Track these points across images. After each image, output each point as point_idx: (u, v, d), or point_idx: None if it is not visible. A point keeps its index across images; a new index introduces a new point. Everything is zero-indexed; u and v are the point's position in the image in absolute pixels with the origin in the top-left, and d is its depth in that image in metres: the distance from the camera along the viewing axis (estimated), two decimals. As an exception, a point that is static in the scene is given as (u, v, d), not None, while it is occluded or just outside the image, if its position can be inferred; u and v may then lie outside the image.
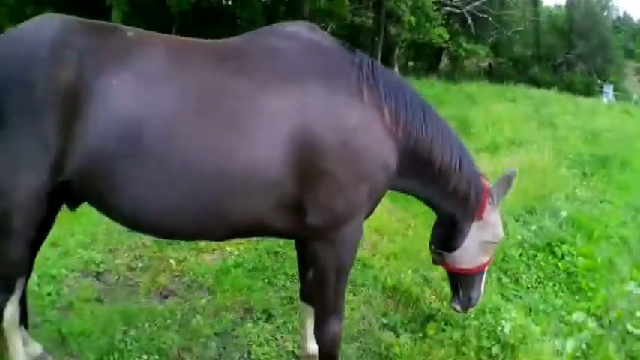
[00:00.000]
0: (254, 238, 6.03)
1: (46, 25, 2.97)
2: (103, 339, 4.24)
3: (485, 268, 4.13)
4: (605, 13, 61.38)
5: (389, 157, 3.23)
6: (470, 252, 3.90)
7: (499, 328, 4.51)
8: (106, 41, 2.93)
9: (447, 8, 38.34)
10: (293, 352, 4.33)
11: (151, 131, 2.78)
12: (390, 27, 35.04)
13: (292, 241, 5.63)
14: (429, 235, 4.15)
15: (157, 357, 4.08)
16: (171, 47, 3.03)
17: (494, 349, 4.32)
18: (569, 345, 4.46)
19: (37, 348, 3.85)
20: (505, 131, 13.60)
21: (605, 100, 37.89)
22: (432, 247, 4.10)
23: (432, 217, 4.13)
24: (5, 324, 3.29)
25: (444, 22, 36.97)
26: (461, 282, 4.11)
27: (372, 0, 32.62)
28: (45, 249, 4.41)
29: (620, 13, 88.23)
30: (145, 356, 4.08)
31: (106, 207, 3.09)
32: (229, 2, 27.84)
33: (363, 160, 3.11)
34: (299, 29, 3.36)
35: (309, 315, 3.87)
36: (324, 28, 28.55)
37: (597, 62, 53.52)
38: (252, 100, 2.94)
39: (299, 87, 3.03)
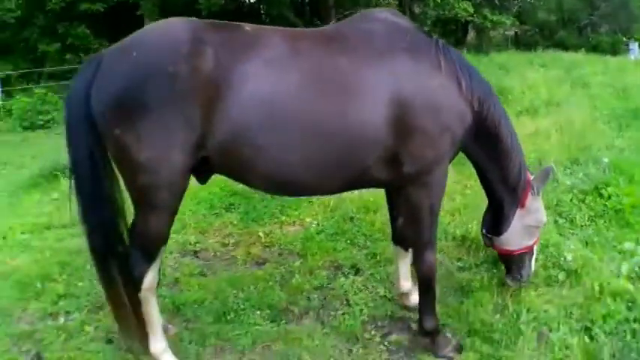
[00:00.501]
0: (329, 208, 6.82)
1: (179, 25, 3.61)
2: (216, 304, 4.90)
3: (535, 248, 4.68)
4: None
5: (465, 114, 3.89)
6: (515, 236, 4.49)
7: (562, 258, 5.16)
8: (232, 35, 3.59)
9: (470, -19, 38.55)
10: (385, 296, 5.01)
11: (282, 104, 3.45)
12: (413, 6, 35.48)
13: (364, 207, 6.39)
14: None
15: (268, 311, 4.75)
16: (284, 36, 3.70)
17: (561, 276, 4.97)
18: (625, 268, 5.05)
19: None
20: (541, 94, 13.88)
21: (632, 57, 37.75)
22: (483, 231, 4.75)
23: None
24: (144, 291, 3.78)
25: (467, -6, 37.30)
26: (511, 262, 4.68)
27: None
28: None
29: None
30: (259, 312, 4.74)
31: (243, 175, 3.78)
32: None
33: (444, 114, 3.76)
34: (386, 14, 4.07)
35: (402, 257, 4.62)
36: (351, 14, 29.07)
37: (621, 21, 52.94)
38: (357, 73, 3.61)
39: (391, 60, 3.69)
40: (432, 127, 3.73)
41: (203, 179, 3.96)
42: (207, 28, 3.57)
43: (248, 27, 3.71)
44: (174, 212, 3.74)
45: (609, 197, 6.63)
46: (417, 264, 4.19)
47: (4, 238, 6.70)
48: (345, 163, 3.69)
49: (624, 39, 48.69)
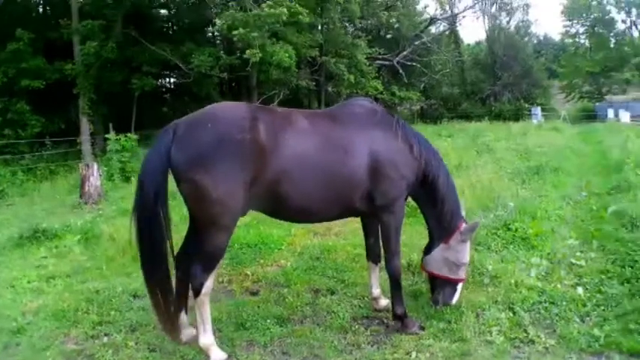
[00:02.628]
0: (297, 252, 8.54)
1: (239, 106, 5.38)
2: (232, 319, 6.25)
3: (457, 287, 6.14)
4: (526, 39, 64.71)
5: (413, 169, 5.81)
6: (434, 261, 6.15)
7: (484, 269, 7.10)
8: (271, 114, 5.37)
9: (379, 62, 41.55)
10: (359, 305, 6.64)
11: (306, 158, 5.22)
12: (328, 86, 38.07)
13: (327, 250, 8.07)
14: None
15: (275, 320, 6.21)
16: (303, 115, 5.58)
17: (485, 280, 6.91)
18: (534, 272, 7.01)
19: (192, 330, 5.78)
20: (452, 159, 15.64)
21: (535, 121, 40.73)
22: (422, 254, 6.48)
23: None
24: (202, 295, 5.13)
25: (377, 75, 40.23)
26: (433, 284, 6.30)
27: (316, 66, 35.64)
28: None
29: (542, 37, 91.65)
30: (268, 321, 6.18)
31: (277, 206, 5.41)
32: (188, 81, 29.81)
33: (401, 167, 5.68)
34: (363, 102, 6.08)
35: (372, 269, 6.41)
36: (274, 95, 31.11)
37: (523, 88, 55.97)
38: (348, 138, 5.48)
39: (368, 131, 5.63)
40: (394, 175, 5.62)
41: (244, 213, 5.43)
42: (258, 109, 5.37)
43: (279, 109, 5.63)
44: (231, 234, 5.31)
45: (516, 230, 8.63)
46: (387, 267, 5.94)
47: (12, 286, 7.62)
48: (343, 197, 5.51)
49: (526, 105, 51.66)
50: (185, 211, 10.67)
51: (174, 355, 5.51)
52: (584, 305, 6.23)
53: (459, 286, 6.16)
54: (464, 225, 6.11)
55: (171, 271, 5.42)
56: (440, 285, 6.20)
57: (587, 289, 6.67)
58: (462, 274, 6.17)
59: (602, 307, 6.17)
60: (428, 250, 6.27)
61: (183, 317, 5.78)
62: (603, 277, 7.01)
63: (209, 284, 5.22)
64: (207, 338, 5.30)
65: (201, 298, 5.20)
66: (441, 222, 6.13)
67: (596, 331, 5.58)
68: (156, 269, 5.20)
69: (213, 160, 4.87)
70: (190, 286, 5.32)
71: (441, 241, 6.14)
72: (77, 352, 5.64)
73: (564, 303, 6.26)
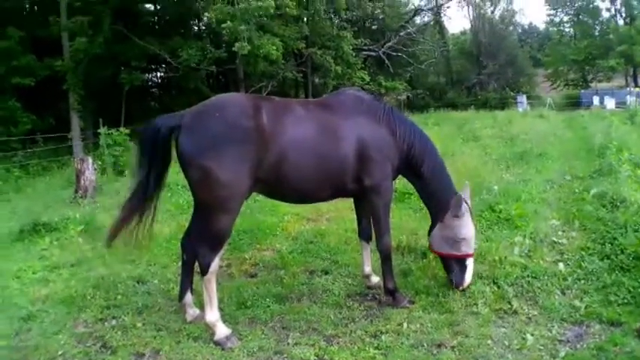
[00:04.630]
0: (291, 237, 8.96)
1: (243, 97, 5.89)
2: (233, 299, 6.63)
3: (467, 262, 6.31)
4: (511, 28, 65.00)
5: (397, 152, 6.19)
6: (435, 239, 6.49)
7: None
8: (272, 103, 5.77)
9: (364, 53, 41.80)
10: (352, 284, 7.06)
11: (304, 143, 5.62)
12: (315, 77, 38.37)
13: (320, 234, 8.44)
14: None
15: (274, 299, 6.58)
16: (299, 103, 6.02)
17: None
18: (517, 250, 7.36)
19: (196, 310, 6.18)
20: (438, 146, 15.48)
21: (520, 109, 41.06)
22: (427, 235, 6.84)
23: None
24: (210, 274, 5.47)
25: (363, 65, 40.53)
26: (443, 264, 6.56)
27: (303, 58, 36.02)
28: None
29: (526, 26, 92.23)
30: (267, 299, 6.56)
31: (278, 188, 5.81)
32: (176, 75, 30.03)
33: (385, 150, 6.06)
34: (352, 91, 6.48)
35: (364, 248, 6.82)
36: (262, 87, 31.39)
37: (508, 76, 56.40)
38: (339, 125, 5.87)
39: (356, 118, 6.01)
40: (379, 158, 6.01)
41: (247, 196, 5.80)
42: (259, 99, 5.83)
43: (277, 99, 6.02)
44: (237, 216, 5.66)
45: (500, 211, 9.02)
46: (378, 245, 6.33)
47: (18, 277, 7.81)
48: (335, 178, 5.91)
49: (512, 93, 51.88)
50: (181, 201, 11.17)
51: (181, 333, 5.84)
52: (565, 279, 6.63)
53: (469, 262, 6.33)
54: (454, 201, 6.31)
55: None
56: (449, 264, 6.44)
57: (568, 264, 7.08)
58: (466, 249, 6.31)
59: (583, 281, 6.58)
60: (430, 230, 6.62)
61: (189, 297, 6.15)
62: (584, 253, 7.39)
63: (215, 264, 5.58)
64: (213, 315, 5.63)
65: (208, 277, 5.55)
66: (434, 201, 6.50)
67: (576, 303, 5.99)
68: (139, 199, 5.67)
69: (221, 146, 5.25)
70: (198, 266, 5.69)
71: (437, 220, 6.47)
72: (88, 334, 5.92)
73: (546, 277, 6.67)
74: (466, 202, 6.35)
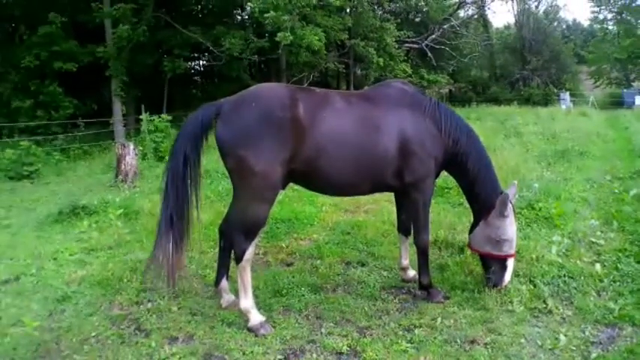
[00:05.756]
0: (328, 228, 8.95)
1: (281, 87, 5.75)
2: (269, 286, 6.70)
3: (507, 263, 6.15)
4: (555, 24, 64.15)
5: (442, 148, 6.06)
6: (476, 238, 6.34)
7: None
8: (310, 94, 5.73)
9: (407, 45, 41.56)
10: (388, 276, 7.07)
11: (342, 135, 5.57)
12: (357, 69, 38.32)
13: (356, 225, 8.45)
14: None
15: (309, 288, 6.62)
16: (340, 95, 5.93)
17: None
18: (554, 249, 7.28)
19: (231, 296, 6.24)
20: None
21: (564, 107, 40.35)
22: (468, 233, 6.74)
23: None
24: (245, 261, 5.54)
25: (405, 58, 40.31)
26: (483, 262, 6.43)
27: (345, 49, 35.90)
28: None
29: (570, 22, 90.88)
30: (303, 289, 6.61)
31: (314, 180, 5.80)
32: (219, 63, 30.23)
33: (428, 146, 5.94)
34: (397, 83, 6.35)
35: (403, 242, 6.77)
36: (303, 77, 31.46)
37: (552, 73, 55.53)
38: (381, 118, 5.80)
39: (400, 111, 5.92)
40: (422, 154, 5.90)
41: (284, 186, 5.84)
42: (298, 90, 5.73)
43: (318, 90, 5.94)
44: (272, 206, 5.67)
45: (540, 209, 8.95)
46: (415, 241, 6.27)
47: (55, 259, 7.95)
48: (374, 173, 5.84)
49: (555, 90, 51.16)
50: (220, 188, 11.30)
51: (215, 318, 5.91)
52: (601, 281, 6.55)
53: (510, 263, 6.18)
54: (499, 200, 6.13)
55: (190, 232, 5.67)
56: (489, 263, 6.32)
57: (604, 265, 6.98)
58: (508, 250, 6.15)
59: (618, 283, 6.50)
60: (471, 228, 6.50)
61: (224, 283, 6.22)
62: (621, 255, 7.30)
63: (250, 252, 5.62)
64: (247, 302, 5.68)
65: (243, 264, 5.61)
66: (479, 199, 6.33)
67: (611, 304, 5.91)
68: (174, 222, 5.46)
69: (256, 136, 5.26)
70: (233, 253, 5.76)
71: (480, 219, 6.33)
72: (122, 316, 6.02)
73: (582, 278, 6.60)
74: (511, 202, 6.17)
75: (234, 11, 37.77)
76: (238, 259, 5.60)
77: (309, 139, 5.43)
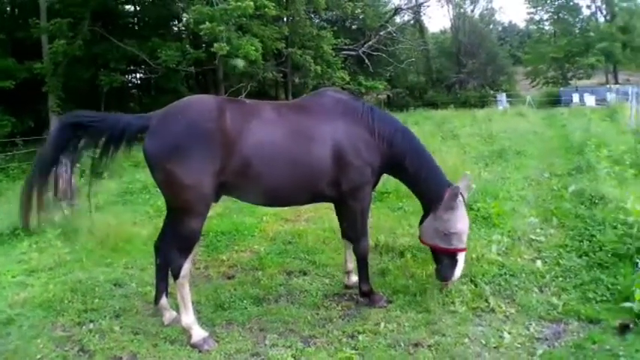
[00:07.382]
0: (269, 238, 8.90)
1: (208, 99, 5.65)
2: (210, 301, 6.59)
3: (458, 256, 6.01)
4: (491, 27, 65.52)
5: (378, 153, 6.03)
6: (425, 231, 6.25)
7: None
8: (238, 105, 5.65)
9: (344, 52, 41.89)
10: (329, 284, 7.03)
11: (272, 146, 5.48)
12: (295, 77, 38.45)
13: (297, 235, 8.42)
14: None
15: (251, 300, 6.55)
16: (271, 105, 5.85)
17: None
18: (494, 248, 7.36)
19: (173, 312, 6.12)
20: None
21: (500, 107, 41.29)
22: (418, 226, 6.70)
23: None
24: (181, 278, 5.47)
25: (343, 65, 40.52)
26: (434, 257, 6.33)
27: (282, 58, 36.00)
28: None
29: (506, 24, 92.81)
30: (245, 301, 6.53)
31: (244, 193, 5.76)
32: (155, 76, 29.98)
33: (364, 154, 5.90)
34: (330, 92, 6.32)
35: (347, 247, 6.71)
36: (241, 88, 31.39)
37: (488, 75, 56.80)
38: (314, 127, 5.75)
39: (333, 121, 5.86)
40: (357, 162, 5.87)
41: (216, 199, 5.78)
42: (226, 101, 5.65)
43: (248, 101, 5.86)
44: (205, 219, 5.57)
45: (479, 210, 9.03)
46: (354, 249, 6.29)
47: None
48: (310, 183, 5.79)
49: (492, 92, 52.27)
50: (160, 203, 11.14)
51: (158, 336, 5.79)
52: (543, 277, 6.66)
53: (460, 257, 6.04)
54: (448, 193, 6.03)
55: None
56: (439, 257, 6.22)
57: (546, 262, 7.11)
58: (457, 244, 6.02)
59: (561, 279, 6.61)
60: (421, 220, 6.39)
61: (164, 300, 6.11)
62: (562, 251, 7.43)
63: (187, 267, 5.52)
64: (188, 318, 5.58)
65: (181, 281, 5.51)
66: (425, 195, 6.28)
67: (554, 300, 6.01)
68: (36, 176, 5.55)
69: (184, 148, 5.16)
70: (170, 270, 5.65)
71: (428, 212, 6.24)
72: (66, 338, 5.88)
73: (524, 275, 6.70)
74: (462, 195, 6.09)
75: (171, 23, 37.53)
76: (175, 276, 5.50)
77: (238, 151, 5.35)
